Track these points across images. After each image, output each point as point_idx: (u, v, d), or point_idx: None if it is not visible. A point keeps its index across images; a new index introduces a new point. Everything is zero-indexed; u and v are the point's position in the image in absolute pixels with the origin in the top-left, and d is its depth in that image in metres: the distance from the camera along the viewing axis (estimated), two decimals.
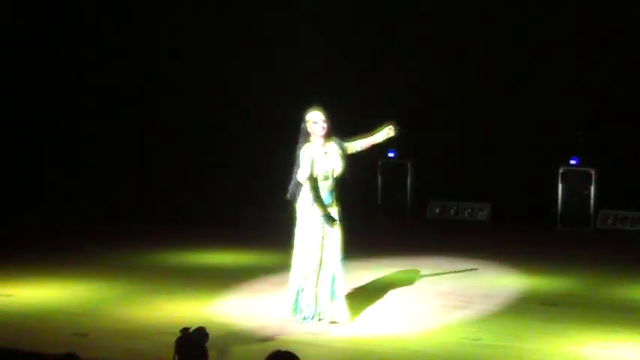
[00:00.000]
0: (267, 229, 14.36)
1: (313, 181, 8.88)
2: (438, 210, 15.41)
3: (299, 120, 9.06)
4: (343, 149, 9.13)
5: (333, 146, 9.11)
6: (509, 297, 10.33)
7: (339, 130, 9.26)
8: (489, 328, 9.03)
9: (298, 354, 5.39)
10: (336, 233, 9.08)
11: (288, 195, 9.09)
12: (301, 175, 8.84)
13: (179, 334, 6.15)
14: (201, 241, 13.37)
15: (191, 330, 6.16)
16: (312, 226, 9.00)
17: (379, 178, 15.61)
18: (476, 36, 15.18)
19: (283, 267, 11.83)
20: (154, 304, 9.97)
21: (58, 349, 7.21)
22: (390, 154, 15.60)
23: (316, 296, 9.03)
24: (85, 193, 16.04)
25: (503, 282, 11.01)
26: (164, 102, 16.49)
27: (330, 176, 9.01)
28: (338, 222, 9.06)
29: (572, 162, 14.51)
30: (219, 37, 16.20)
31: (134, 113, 16.55)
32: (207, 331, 6.19)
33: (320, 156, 8.99)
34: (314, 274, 9.00)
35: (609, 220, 14.38)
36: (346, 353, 8.41)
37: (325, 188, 9.01)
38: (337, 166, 9.06)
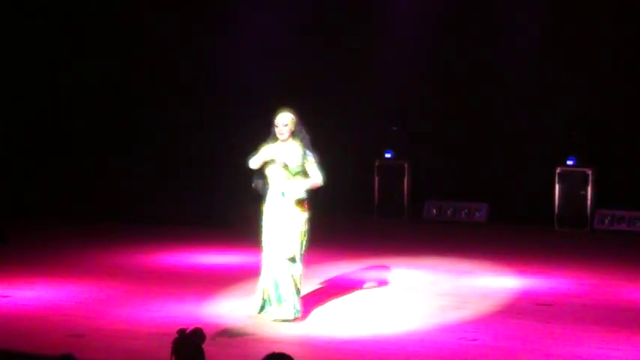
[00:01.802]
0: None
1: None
2: (434, 210, 15.40)
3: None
4: (304, 155, 9.26)
5: (294, 147, 9.27)
6: (506, 297, 10.34)
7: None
8: (486, 329, 9.04)
9: (293, 356, 5.40)
10: (283, 235, 9.22)
11: (253, 184, 9.43)
12: (251, 161, 9.28)
13: (176, 335, 6.15)
14: (199, 242, 13.35)
15: (188, 331, 6.16)
16: (265, 224, 9.37)
17: (376, 178, 15.59)
18: (473, 36, 15.17)
19: None
20: (151, 304, 9.97)
21: (55, 350, 7.21)
22: (387, 155, 15.59)
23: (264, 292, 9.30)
24: (83, 193, 16.01)
25: (500, 282, 11.02)
26: (162, 102, 16.47)
27: (282, 167, 9.18)
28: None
29: (569, 162, 14.50)
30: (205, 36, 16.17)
31: (131, 114, 16.52)
32: (204, 332, 6.20)
33: (277, 150, 9.25)
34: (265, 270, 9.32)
35: (606, 221, 14.38)
36: (343, 354, 8.41)
37: (280, 190, 9.23)
38: (292, 161, 9.20)
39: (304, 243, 9.29)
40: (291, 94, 15.61)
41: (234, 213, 14.85)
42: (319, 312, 9.62)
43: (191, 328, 6.21)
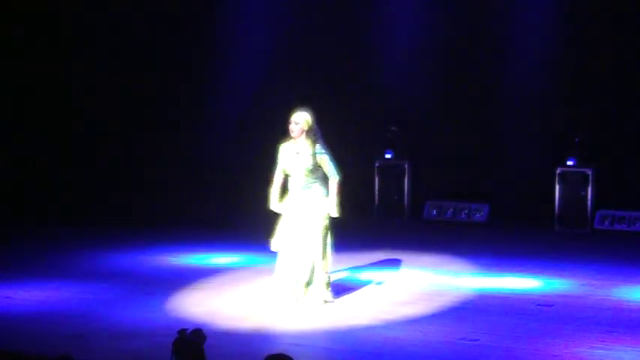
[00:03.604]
0: (263, 230, 14.33)
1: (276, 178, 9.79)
2: (435, 211, 15.39)
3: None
4: (314, 155, 9.62)
5: (307, 147, 9.62)
6: (507, 297, 10.33)
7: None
8: (486, 329, 9.04)
9: (294, 356, 5.40)
10: (307, 231, 9.67)
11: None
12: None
13: (176, 336, 6.16)
14: (199, 242, 13.35)
15: (188, 331, 6.17)
16: (287, 221, 9.76)
17: (376, 178, 15.58)
18: (474, 36, 15.16)
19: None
20: (151, 305, 9.97)
21: (55, 350, 7.20)
22: (388, 155, 15.57)
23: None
24: (83, 193, 16.01)
25: (500, 282, 11.02)
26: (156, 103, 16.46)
27: (300, 174, 9.62)
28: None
29: (569, 163, 14.50)
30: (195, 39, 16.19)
31: (131, 113, 16.52)
32: (205, 332, 6.21)
33: (291, 155, 9.68)
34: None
35: (606, 221, 14.37)
36: (342, 354, 8.42)
37: (299, 185, 9.67)
38: (305, 164, 9.61)
39: (328, 236, 9.76)
40: (291, 94, 15.64)
41: (234, 213, 14.89)
42: (318, 312, 9.62)
43: (191, 328, 6.22)
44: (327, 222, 9.75)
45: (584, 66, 14.47)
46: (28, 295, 10.41)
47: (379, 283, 10.93)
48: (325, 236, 9.74)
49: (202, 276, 11.35)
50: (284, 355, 5.38)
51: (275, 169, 9.88)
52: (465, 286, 10.81)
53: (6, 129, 16.36)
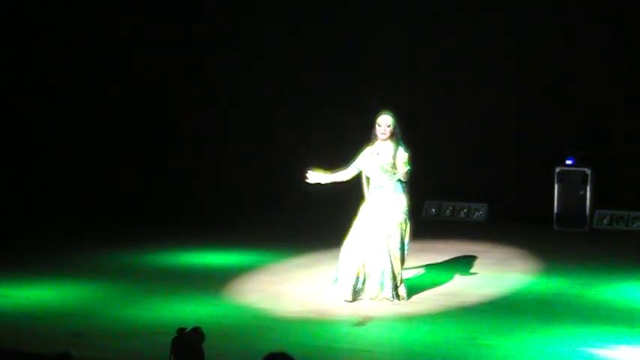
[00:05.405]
0: (264, 230, 14.35)
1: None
2: (434, 210, 15.41)
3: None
4: (397, 156, 9.81)
5: (389, 148, 9.87)
6: (505, 296, 10.34)
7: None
8: (485, 328, 9.04)
9: (293, 355, 5.40)
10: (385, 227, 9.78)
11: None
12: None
13: (175, 335, 6.17)
14: (199, 242, 13.36)
15: (187, 330, 6.17)
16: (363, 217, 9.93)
17: None
18: (472, 35, 15.18)
19: (282, 265, 11.87)
20: (150, 304, 9.98)
21: (55, 349, 7.20)
22: None
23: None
24: (84, 192, 16.02)
25: (498, 282, 11.02)
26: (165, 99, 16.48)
27: (375, 173, 9.82)
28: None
29: (568, 162, 14.51)
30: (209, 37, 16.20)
31: (127, 109, 16.53)
32: (203, 331, 6.21)
33: (372, 156, 9.89)
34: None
35: (605, 220, 14.39)
36: (341, 354, 8.42)
37: (373, 184, 9.85)
38: (382, 163, 9.81)
39: (407, 232, 9.87)
40: (291, 94, 15.66)
41: (235, 213, 14.89)
42: (318, 313, 9.63)
43: (190, 327, 6.22)
44: (403, 220, 9.84)
45: (585, 65, 14.49)
46: (28, 294, 10.41)
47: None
48: (402, 234, 9.84)
49: (202, 275, 11.35)
50: (284, 353, 5.38)
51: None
52: (464, 286, 10.81)
53: (9, 125, 16.36)
